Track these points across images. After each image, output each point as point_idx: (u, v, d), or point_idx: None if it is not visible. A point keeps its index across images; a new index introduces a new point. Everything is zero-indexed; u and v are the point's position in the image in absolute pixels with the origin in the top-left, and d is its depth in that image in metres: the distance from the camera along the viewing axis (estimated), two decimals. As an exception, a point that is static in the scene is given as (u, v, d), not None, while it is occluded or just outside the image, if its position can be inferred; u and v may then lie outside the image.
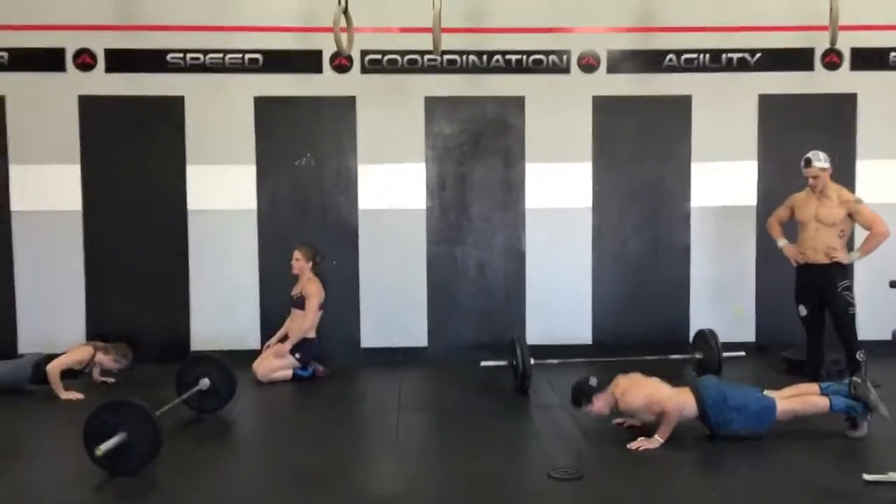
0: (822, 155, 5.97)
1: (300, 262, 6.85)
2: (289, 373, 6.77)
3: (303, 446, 5.15)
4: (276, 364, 6.74)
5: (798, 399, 5.05)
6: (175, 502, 4.19)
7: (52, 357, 6.30)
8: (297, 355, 6.75)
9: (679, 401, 4.92)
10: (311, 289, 6.78)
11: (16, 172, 7.25)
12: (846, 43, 7.37)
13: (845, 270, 6.02)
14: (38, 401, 6.12)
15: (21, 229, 7.29)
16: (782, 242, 6.33)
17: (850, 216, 6.04)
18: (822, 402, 4.98)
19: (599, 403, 5.02)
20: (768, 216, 7.43)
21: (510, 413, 5.84)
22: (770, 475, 4.52)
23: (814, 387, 5.15)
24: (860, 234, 6.41)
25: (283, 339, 6.87)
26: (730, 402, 4.92)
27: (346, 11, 5.49)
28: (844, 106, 7.48)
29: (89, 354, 6.35)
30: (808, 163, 6.00)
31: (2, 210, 7.26)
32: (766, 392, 5.08)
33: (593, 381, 5.06)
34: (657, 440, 4.85)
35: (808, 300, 6.16)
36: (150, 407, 4.58)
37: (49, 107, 7.23)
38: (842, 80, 7.47)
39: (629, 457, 4.76)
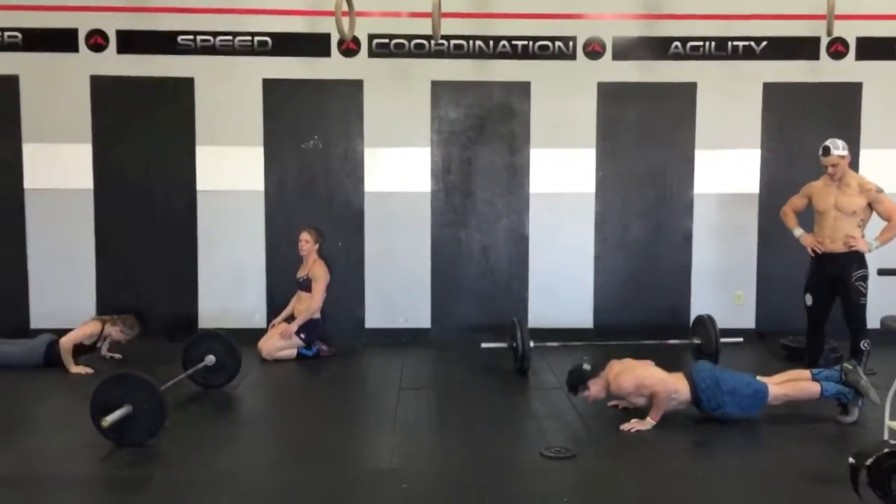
0: (839, 143, 5.78)
1: (308, 244, 6.97)
2: (293, 352, 6.89)
3: (304, 422, 5.29)
4: (281, 343, 6.87)
5: (790, 384, 5.14)
6: (179, 474, 4.32)
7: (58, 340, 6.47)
8: (302, 335, 6.87)
9: (670, 383, 5.01)
10: (318, 271, 6.90)
11: (29, 151, 7.38)
12: (852, 32, 7.42)
13: (862, 260, 5.92)
14: (47, 375, 6.27)
15: (33, 207, 7.44)
16: (799, 232, 6.07)
17: (870, 205, 5.89)
18: (814, 388, 5.07)
19: (595, 388, 5.13)
20: (770, 204, 7.49)
21: (508, 393, 5.95)
22: (759, 458, 4.62)
23: (805, 373, 5.24)
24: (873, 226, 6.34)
25: (289, 319, 6.99)
26: (722, 386, 5.01)
27: (347, -4, 5.56)
28: (849, 95, 7.50)
29: (98, 328, 6.50)
30: (827, 151, 5.72)
31: (15, 188, 7.40)
32: (758, 377, 5.16)
33: (587, 367, 5.16)
34: (649, 422, 4.95)
35: (819, 290, 6.02)
36: (155, 380, 4.72)
37: (61, 86, 7.35)
38: (847, 70, 7.48)
39: (622, 438, 4.87)
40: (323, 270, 6.93)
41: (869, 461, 3.49)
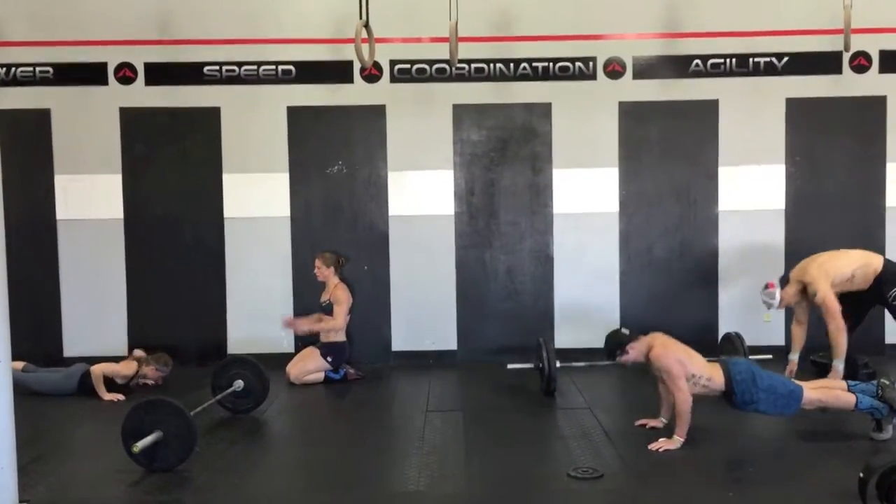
0: (765, 297, 6.04)
1: (322, 270, 7.04)
2: (321, 375, 6.94)
3: (332, 446, 5.32)
4: (309, 367, 6.92)
5: (825, 390, 5.07)
6: (208, 499, 4.36)
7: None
8: (329, 359, 6.93)
9: (688, 397, 4.94)
10: (339, 295, 6.96)
11: (60, 182, 7.55)
12: (875, 46, 7.39)
13: (892, 280, 5.90)
14: (79, 401, 6.36)
15: (66, 237, 7.59)
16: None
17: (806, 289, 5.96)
18: (849, 399, 4.99)
19: (633, 352, 5.15)
20: (797, 220, 7.53)
21: (535, 414, 5.94)
22: (792, 477, 4.56)
23: (842, 383, 5.18)
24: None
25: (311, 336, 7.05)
26: (759, 383, 4.93)
27: (367, 24, 5.64)
28: (874, 109, 7.45)
29: (133, 369, 6.59)
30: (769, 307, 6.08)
31: (48, 218, 7.57)
32: (794, 381, 5.11)
33: (626, 330, 5.24)
34: (677, 440, 4.92)
35: (847, 303, 6.03)
36: (184, 406, 4.78)
37: (92, 119, 7.52)
38: (870, 83, 7.44)
39: (649, 458, 4.84)
40: (345, 294, 6.99)
41: (877, 475, 3.47)
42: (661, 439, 4.98)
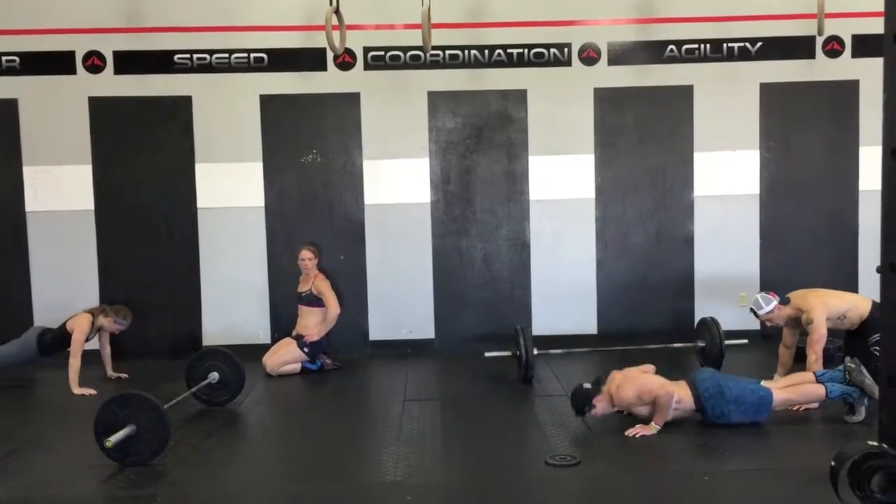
0: (760, 300, 5.92)
1: (310, 261, 6.98)
2: (297, 366, 6.89)
3: (308, 437, 5.28)
4: (285, 357, 6.87)
5: (795, 388, 5.13)
6: (183, 493, 4.31)
7: (51, 329, 6.55)
8: (306, 349, 6.87)
9: (670, 388, 4.98)
10: (323, 285, 6.91)
11: (29, 174, 7.42)
12: (847, 30, 7.42)
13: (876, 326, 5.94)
14: (51, 395, 6.28)
15: (35, 229, 7.47)
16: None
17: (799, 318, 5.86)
18: (819, 391, 5.05)
19: (601, 405, 5.06)
20: (771, 205, 7.57)
21: (512, 402, 5.94)
22: (766, 460, 4.61)
23: (809, 375, 5.22)
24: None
25: (298, 337, 6.97)
26: (727, 395, 4.98)
27: (337, 11, 5.57)
28: (846, 93, 7.50)
29: (88, 322, 6.49)
30: (754, 313, 5.95)
31: (16, 211, 7.44)
32: (762, 382, 5.14)
33: (587, 385, 5.09)
34: (654, 427, 4.93)
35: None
36: (158, 399, 4.72)
37: (60, 109, 7.39)
38: (843, 68, 7.48)
39: (626, 444, 4.85)
40: (327, 283, 6.94)
41: (849, 463, 3.49)
42: (638, 426, 4.99)
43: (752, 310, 5.97)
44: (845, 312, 5.79)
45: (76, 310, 6.81)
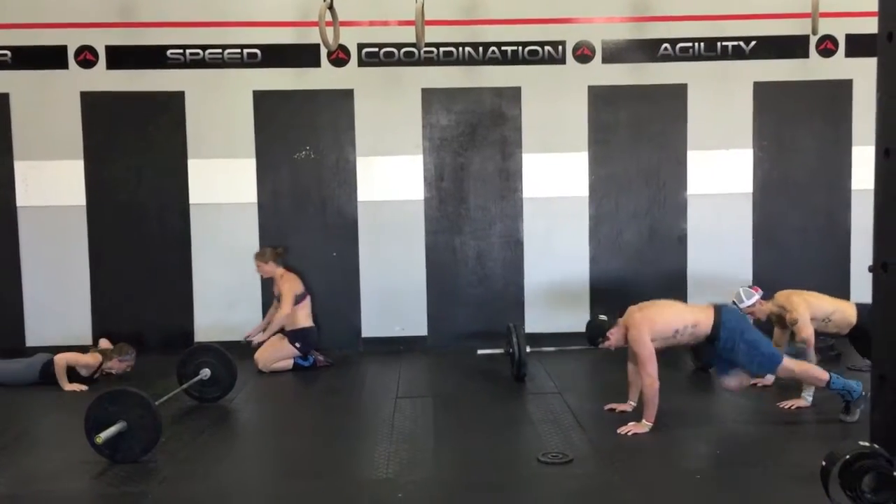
0: (742, 294, 5.86)
1: (262, 267, 6.99)
2: (289, 362, 6.88)
3: (300, 434, 5.27)
4: (277, 354, 6.86)
5: (802, 363, 5.16)
6: (174, 490, 4.28)
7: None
8: (298, 345, 6.86)
9: (655, 382, 4.94)
10: (283, 286, 6.89)
11: (20, 168, 7.38)
12: (841, 29, 7.43)
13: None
14: (41, 392, 6.25)
15: (27, 224, 7.43)
16: None
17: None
18: (823, 375, 5.06)
19: (613, 338, 5.14)
20: (764, 203, 7.59)
21: (505, 400, 5.93)
22: (759, 459, 4.60)
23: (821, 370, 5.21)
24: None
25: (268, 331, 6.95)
26: (746, 335, 4.99)
27: (331, 7, 5.55)
28: (840, 93, 7.51)
29: (97, 361, 6.47)
30: (737, 306, 5.80)
31: (8, 206, 7.40)
32: None
33: (603, 317, 5.20)
34: (646, 424, 4.93)
35: None
36: (149, 396, 4.70)
37: (52, 104, 7.35)
38: (837, 67, 7.50)
39: (618, 442, 4.85)
40: (288, 283, 6.89)
41: (840, 463, 3.50)
42: (630, 423, 4.99)
43: (734, 302, 5.94)
44: (830, 315, 5.76)
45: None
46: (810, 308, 5.71)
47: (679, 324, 5.06)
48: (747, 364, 5.06)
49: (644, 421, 4.95)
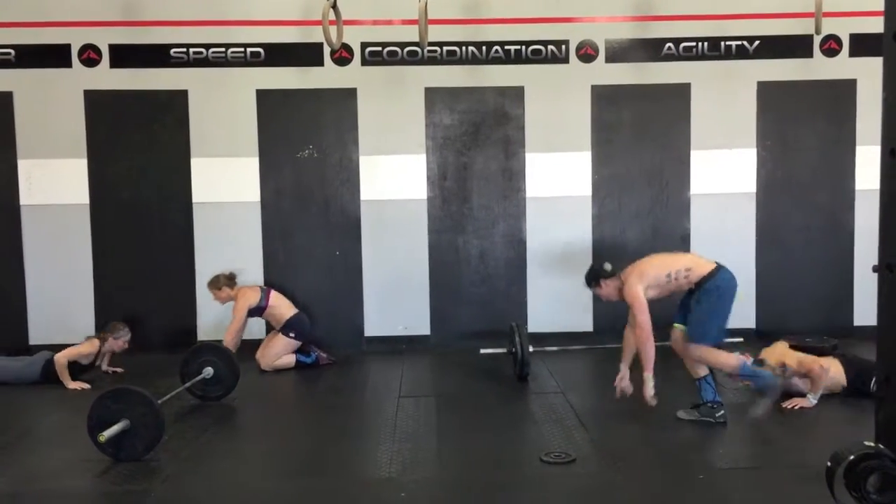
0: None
1: (218, 295, 6.95)
2: (292, 359, 6.89)
3: (303, 433, 5.28)
4: (276, 349, 6.86)
5: (712, 351, 5.14)
6: (177, 488, 4.29)
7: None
8: (292, 334, 6.87)
9: (646, 331, 5.07)
10: (236, 304, 6.87)
11: (24, 167, 7.39)
12: (845, 29, 7.42)
13: None
14: (44, 390, 6.26)
15: (30, 223, 7.44)
16: None
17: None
18: (732, 360, 5.13)
19: (605, 289, 5.33)
20: (768, 203, 7.58)
21: (508, 399, 5.93)
22: (762, 458, 4.61)
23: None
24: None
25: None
26: (720, 301, 5.06)
27: (334, 6, 5.55)
28: (844, 92, 7.49)
29: (95, 347, 6.49)
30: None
31: (11, 204, 7.40)
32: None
33: (608, 266, 5.31)
34: (647, 377, 5.03)
35: None
36: (152, 394, 4.71)
37: (55, 102, 7.35)
38: (841, 67, 7.47)
39: (621, 441, 4.86)
40: (241, 301, 6.84)
41: (845, 463, 3.50)
42: (622, 381, 5.19)
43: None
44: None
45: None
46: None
47: (672, 268, 5.15)
48: (692, 319, 5.11)
49: (645, 374, 5.01)
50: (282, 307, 6.97)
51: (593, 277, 5.38)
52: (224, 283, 6.94)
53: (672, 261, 5.27)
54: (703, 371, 5.16)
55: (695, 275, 5.11)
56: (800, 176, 7.61)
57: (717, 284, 5.07)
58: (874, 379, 5.31)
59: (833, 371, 5.53)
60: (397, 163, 7.52)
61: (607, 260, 5.54)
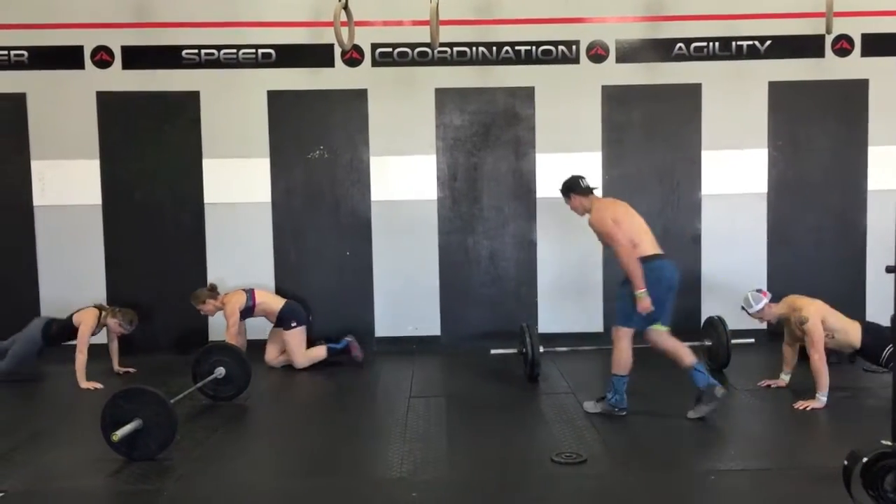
0: (753, 298, 5.83)
1: (204, 307, 6.97)
2: (322, 350, 6.93)
3: (314, 433, 5.29)
4: (295, 346, 6.87)
5: (672, 340, 5.28)
6: (190, 487, 4.31)
7: (56, 319, 6.60)
8: (293, 324, 6.89)
9: (626, 250, 5.21)
10: (226, 310, 6.89)
11: (37, 168, 7.44)
12: (857, 29, 7.39)
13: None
14: (58, 388, 6.30)
15: (43, 224, 7.49)
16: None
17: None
18: (687, 358, 5.19)
19: (575, 203, 5.56)
20: (779, 203, 7.54)
21: (518, 400, 5.93)
22: (774, 459, 4.59)
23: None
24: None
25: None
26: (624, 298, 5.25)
27: (346, 7, 5.56)
28: (856, 92, 7.46)
29: (94, 317, 6.52)
30: (746, 311, 5.88)
31: (24, 205, 7.45)
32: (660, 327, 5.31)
33: (584, 182, 5.51)
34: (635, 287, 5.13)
35: None
36: (165, 394, 4.73)
37: (68, 103, 7.40)
38: (853, 67, 7.44)
39: (632, 442, 4.86)
40: (230, 306, 6.86)
41: (862, 462, 3.49)
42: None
43: (742, 307, 5.91)
44: (835, 331, 5.59)
45: (83, 304, 6.81)
46: (819, 313, 5.63)
47: (629, 234, 5.28)
48: (617, 304, 5.35)
49: (637, 292, 5.12)
50: (270, 302, 7.00)
51: (568, 188, 5.55)
52: (207, 296, 6.96)
53: (635, 228, 5.39)
54: (689, 360, 5.18)
55: (638, 254, 5.23)
56: (811, 176, 7.59)
57: (649, 277, 5.18)
58: (888, 349, 5.35)
59: (851, 333, 5.58)
60: (408, 163, 7.53)
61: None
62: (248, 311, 6.94)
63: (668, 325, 5.33)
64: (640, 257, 5.20)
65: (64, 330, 6.57)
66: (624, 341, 5.31)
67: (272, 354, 7.02)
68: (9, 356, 6.49)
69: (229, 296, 6.98)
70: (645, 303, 5.10)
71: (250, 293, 6.97)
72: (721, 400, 5.11)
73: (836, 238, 7.61)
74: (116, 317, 6.60)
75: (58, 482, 4.43)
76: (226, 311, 6.90)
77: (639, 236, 5.31)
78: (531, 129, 7.53)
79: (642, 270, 5.14)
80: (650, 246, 5.32)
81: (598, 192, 7.44)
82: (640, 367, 5.41)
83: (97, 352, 6.61)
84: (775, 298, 5.82)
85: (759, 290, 5.95)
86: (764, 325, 7.49)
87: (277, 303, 7.00)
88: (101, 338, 6.76)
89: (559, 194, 7.47)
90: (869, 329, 5.64)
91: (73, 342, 6.45)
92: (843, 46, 7.43)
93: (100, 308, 6.62)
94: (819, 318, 5.58)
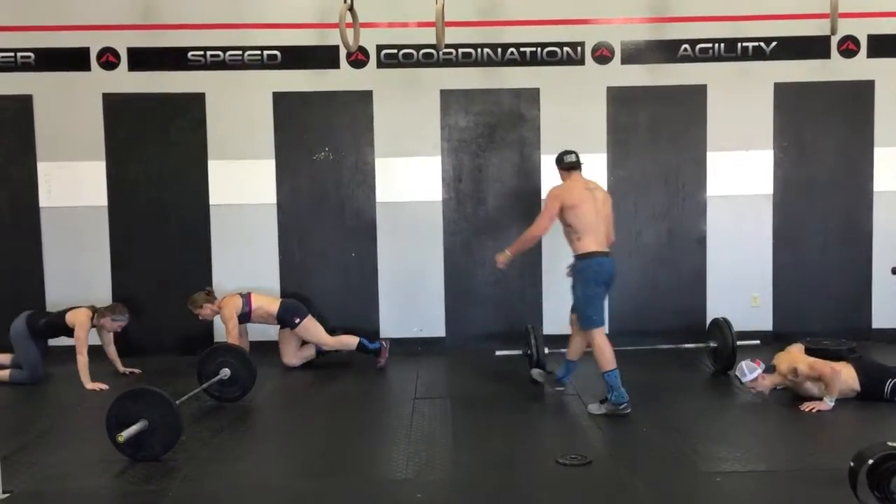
0: (747, 367, 5.63)
1: (201, 313, 6.94)
2: (354, 340, 6.95)
3: (319, 434, 5.29)
4: (315, 335, 6.91)
5: (604, 343, 5.50)
6: (195, 488, 4.32)
7: (43, 313, 6.63)
8: (297, 320, 6.89)
9: (536, 233, 5.75)
10: (223, 315, 6.86)
11: (43, 169, 7.46)
12: (863, 30, 7.38)
13: None
14: (63, 389, 6.32)
15: (49, 225, 7.51)
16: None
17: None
18: (608, 365, 5.44)
19: (561, 176, 5.83)
20: (785, 205, 7.53)
21: (523, 401, 5.92)
22: (780, 461, 4.58)
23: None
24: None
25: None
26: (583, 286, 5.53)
27: (351, 8, 5.56)
28: (861, 93, 7.45)
29: (88, 317, 6.50)
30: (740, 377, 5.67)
31: (31, 206, 7.48)
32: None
33: (568, 158, 5.78)
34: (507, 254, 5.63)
35: None
36: (170, 395, 4.74)
37: (74, 105, 7.42)
38: (859, 68, 7.43)
39: (637, 444, 4.85)
40: (227, 310, 6.83)
41: (868, 464, 3.48)
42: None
43: (736, 375, 5.75)
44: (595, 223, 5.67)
45: (88, 302, 6.83)
46: (807, 359, 5.57)
47: (572, 221, 5.54)
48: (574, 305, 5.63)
49: (507, 252, 5.71)
50: (266, 305, 6.97)
51: (558, 161, 5.85)
52: (204, 300, 6.93)
53: (593, 222, 5.55)
54: (607, 366, 5.41)
55: (579, 244, 5.49)
56: (817, 178, 7.57)
57: (579, 268, 5.52)
58: (889, 383, 5.32)
59: (846, 376, 5.47)
60: (413, 165, 7.54)
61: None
62: (245, 316, 6.92)
63: (603, 323, 5.64)
64: (583, 252, 5.47)
65: (53, 326, 6.54)
66: (597, 338, 5.47)
67: (289, 355, 6.99)
68: (23, 365, 6.51)
69: (226, 300, 6.96)
70: (501, 258, 5.68)
71: (246, 297, 6.95)
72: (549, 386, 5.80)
73: (841, 240, 7.59)
74: (106, 314, 6.58)
75: (63, 483, 4.44)
76: (223, 315, 6.87)
77: (587, 231, 5.48)
78: (536, 131, 7.53)
79: (584, 265, 5.45)
80: (595, 243, 5.50)
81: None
82: (642, 368, 5.42)
83: (99, 353, 6.65)
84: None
85: (752, 360, 5.69)
86: (769, 328, 7.53)
87: (273, 305, 6.98)
88: (93, 339, 6.80)
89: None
90: (861, 369, 5.55)
91: (62, 341, 6.49)
92: (848, 47, 7.42)
93: (92, 309, 6.61)
94: (808, 362, 5.54)
